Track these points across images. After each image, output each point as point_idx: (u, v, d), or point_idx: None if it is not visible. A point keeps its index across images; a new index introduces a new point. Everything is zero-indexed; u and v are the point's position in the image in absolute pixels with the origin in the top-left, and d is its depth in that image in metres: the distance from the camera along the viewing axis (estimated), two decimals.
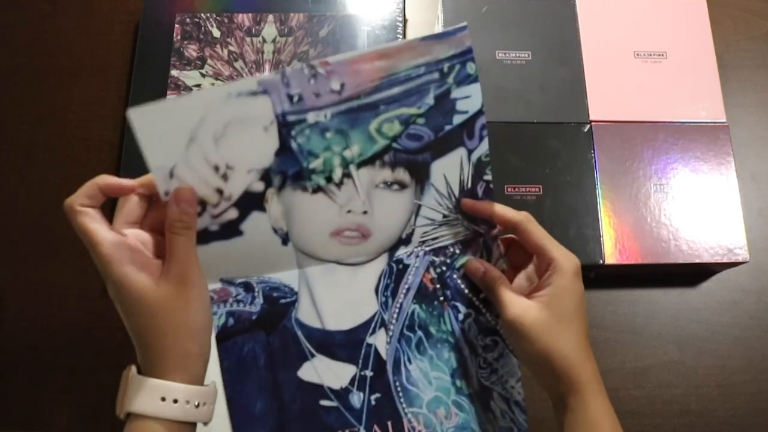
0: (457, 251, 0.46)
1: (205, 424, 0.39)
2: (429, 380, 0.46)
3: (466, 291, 0.47)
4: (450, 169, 0.44)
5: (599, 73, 0.74)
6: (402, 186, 0.44)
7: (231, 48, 0.77)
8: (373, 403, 0.45)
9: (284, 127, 0.40)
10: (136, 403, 0.37)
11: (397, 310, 0.46)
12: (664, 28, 0.77)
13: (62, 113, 0.79)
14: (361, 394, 0.45)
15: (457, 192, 0.45)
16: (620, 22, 0.77)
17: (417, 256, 0.46)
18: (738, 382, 0.71)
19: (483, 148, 0.44)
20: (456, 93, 0.43)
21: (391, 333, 0.45)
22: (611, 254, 0.68)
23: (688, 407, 0.70)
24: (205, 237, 0.42)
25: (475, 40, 0.75)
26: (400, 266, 0.46)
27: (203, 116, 0.38)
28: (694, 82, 0.75)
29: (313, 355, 0.45)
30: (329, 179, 0.42)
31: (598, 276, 0.72)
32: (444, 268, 0.46)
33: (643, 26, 0.77)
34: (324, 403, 0.45)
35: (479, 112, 0.43)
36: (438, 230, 0.46)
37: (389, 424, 0.45)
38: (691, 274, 0.74)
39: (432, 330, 0.46)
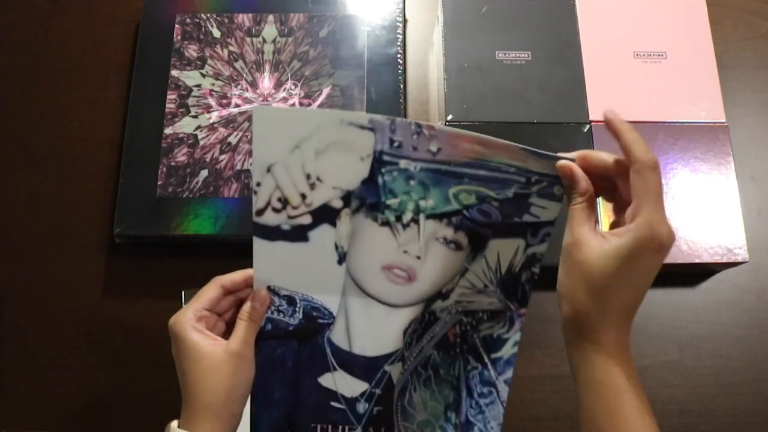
0: (485, 317, 0.49)
1: None
2: (426, 407, 0.51)
3: (481, 350, 0.50)
4: (505, 250, 0.47)
5: (599, 73, 0.74)
6: (458, 247, 0.47)
7: (231, 48, 0.77)
8: (374, 412, 0.51)
9: (378, 162, 0.44)
10: None
11: (417, 352, 0.50)
12: (663, 28, 0.77)
13: (62, 113, 0.79)
14: (367, 405, 0.50)
15: (504, 270, 0.48)
16: (620, 22, 0.77)
17: (449, 313, 0.49)
18: (738, 382, 0.71)
19: (541, 248, 0.46)
20: (534, 200, 0.45)
21: (406, 367, 0.50)
22: None
23: (688, 407, 0.70)
24: (274, 234, 0.46)
25: (475, 40, 0.76)
26: (432, 317, 0.49)
27: (313, 132, 0.43)
28: (694, 82, 0.75)
29: (335, 369, 0.50)
30: (399, 218, 0.46)
31: None
32: (468, 328, 0.50)
33: (643, 26, 0.77)
34: (334, 404, 0.50)
35: (550, 223, 0.45)
36: (475, 296, 0.49)
37: (382, 429, 0.51)
38: (691, 274, 0.74)
39: (441, 372, 0.51)
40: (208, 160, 0.72)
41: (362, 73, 0.76)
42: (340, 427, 0.51)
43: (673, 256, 0.68)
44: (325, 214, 0.46)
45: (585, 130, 0.72)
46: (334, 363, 0.50)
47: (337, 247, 0.47)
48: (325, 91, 0.75)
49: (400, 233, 0.46)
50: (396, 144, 0.43)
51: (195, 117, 0.74)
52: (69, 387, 0.69)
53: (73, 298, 0.72)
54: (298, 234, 0.46)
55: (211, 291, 0.48)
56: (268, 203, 0.45)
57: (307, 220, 0.46)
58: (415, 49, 0.83)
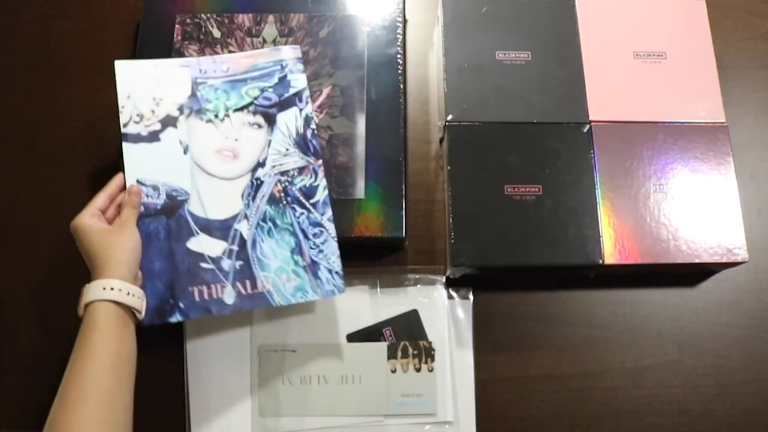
0: (296, 173, 0.67)
1: (139, 312, 0.58)
2: (275, 255, 0.65)
3: (301, 198, 0.67)
4: (289, 119, 0.69)
5: (599, 73, 0.74)
6: (259, 126, 0.68)
7: (231, 48, 0.77)
8: (237, 267, 0.64)
9: (195, 84, 0.69)
10: (88, 295, 0.56)
11: (255, 209, 0.66)
12: (663, 28, 0.77)
13: (62, 113, 0.79)
14: (230, 261, 0.65)
15: (294, 134, 0.68)
16: (620, 22, 0.77)
17: (270, 176, 0.67)
18: (738, 382, 0.71)
19: (308, 109, 0.69)
20: (290, 77, 0.70)
21: (251, 223, 0.66)
22: (611, 254, 0.68)
23: (688, 407, 0.70)
24: (136, 138, 0.66)
25: (475, 40, 0.76)
26: (259, 182, 0.67)
27: (155, 71, 0.69)
28: (694, 82, 0.75)
29: (197, 233, 0.65)
30: (216, 116, 0.68)
31: (598, 276, 0.72)
32: (287, 184, 0.67)
33: (643, 26, 0.77)
34: (203, 265, 0.64)
35: (304, 89, 0.69)
36: (283, 159, 0.68)
37: (248, 282, 0.64)
38: (691, 274, 0.74)
39: (278, 222, 0.66)
40: None
41: (362, 73, 0.76)
42: (213, 286, 0.64)
43: (673, 256, 0.68)
44: (169, 121, 0.67)
45: (585, 130, 0.72)
46: (196, 228, 0.65)
47: (180, 143, 0.67)
48: (325, 91, 0.75)
49: (220, 126, 0.68)
50: (203, 71, 0.69)
51: None
52: None
53: (73, 298, 0.72)
54: (153, 137, 0.66)
55: (99, 199, 0.62)
56: (130, 118, 0.66)
57: (157, 126, 0.67)
58: (415, 49, 0.83)
